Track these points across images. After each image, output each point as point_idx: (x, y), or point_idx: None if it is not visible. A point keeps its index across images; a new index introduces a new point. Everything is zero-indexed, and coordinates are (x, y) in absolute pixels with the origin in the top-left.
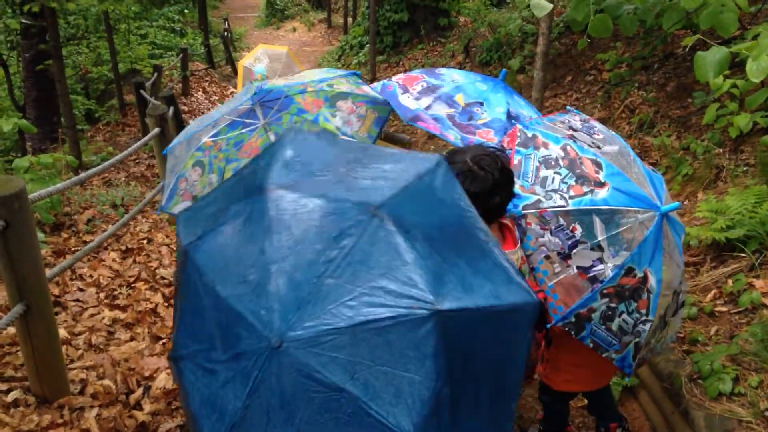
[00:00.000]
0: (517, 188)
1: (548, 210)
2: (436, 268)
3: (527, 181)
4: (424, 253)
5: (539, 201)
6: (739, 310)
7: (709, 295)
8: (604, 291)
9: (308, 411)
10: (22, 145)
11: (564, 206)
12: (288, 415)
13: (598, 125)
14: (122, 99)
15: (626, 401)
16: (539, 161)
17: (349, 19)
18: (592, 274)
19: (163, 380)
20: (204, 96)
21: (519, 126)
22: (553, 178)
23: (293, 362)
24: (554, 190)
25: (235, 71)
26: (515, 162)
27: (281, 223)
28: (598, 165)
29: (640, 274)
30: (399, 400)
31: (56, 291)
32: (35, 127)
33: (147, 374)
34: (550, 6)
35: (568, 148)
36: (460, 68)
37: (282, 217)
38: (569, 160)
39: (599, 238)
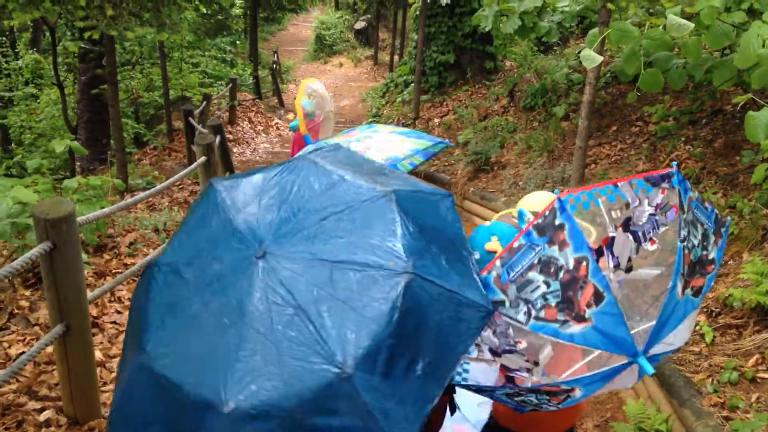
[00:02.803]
0: (492, 276)
1: (503, 317)
2: (420, 249)
3: (508, 275)
4: (414, 235)
5: (501, 303)
6: None
7: (752, 360)
8: (517, 390)
9: (264, 320)
10: (72, 165)
11: (521, 324)
12: (245, 320)
13: (672, 220)
14: (170, 124)
15: None
16: (540, 260)
17: (396, 57)
18: (512, 375)
19: None
20: (249, 126)
21: (556, 202)
22: (537, 287)
23: (268, 272)
24: (526, 301)
25: (280, 102)
26: (515, 244)
27: (307, 182)
28: (599, 297)
29: (566, 387)
30: (345, 331)
31: (95, 312)
32: (85, 148)
33: None
34: (601, 58)
35: (583, 264)
36: (504, 112)
37: (309, 178)
38: (571, 278)
39: (539, 359)
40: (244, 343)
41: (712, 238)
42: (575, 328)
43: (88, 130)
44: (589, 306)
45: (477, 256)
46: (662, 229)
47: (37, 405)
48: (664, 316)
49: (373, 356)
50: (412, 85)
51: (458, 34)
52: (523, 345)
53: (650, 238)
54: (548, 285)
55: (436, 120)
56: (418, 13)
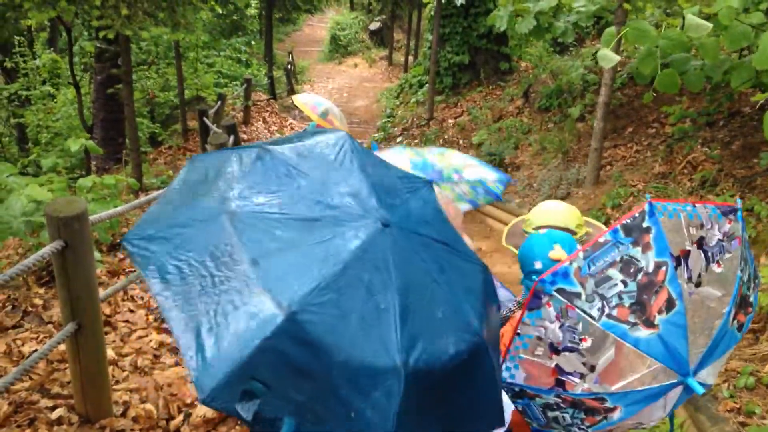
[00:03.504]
0: (572, 268)
1: (576, 310)
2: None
3: (589, 268)
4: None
5: (577, 296)
6: None
7: None
8: (562, 396)
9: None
10: (87, 164)
11: (593, 319)
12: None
13: (735, 250)
14: (186, 124)
15: None
16: (622, 258)
17: (410, 58)
18: (563, 378)
19: (204, 408)
20: (264, 126)
21: (647, 204)
22: (614, 285)
23: (400, 239)
24: (602, 297)
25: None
26: (601, 240)
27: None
28: (671, 305)
29: (609, 405)
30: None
31: (107, 310)
32: (101, 147)
33: (188, 401)
34: (618, 58)
35: (662, 269)
36: (518, 113)
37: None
38: (649, 281)
39: (596, 363)
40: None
41: (752, 283)
42: (642, 332)
43: (103, 129)
44: (660, 312)
45: (539, 265)
46: (727, 255)
47: (50, 403)
48: (716, 340)
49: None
50: (427, 85)
51: (473, 35)
52: (587, 344)
53: (717, 261)
54: (626, 284)
55: (450, 121)
56: (432, 13)
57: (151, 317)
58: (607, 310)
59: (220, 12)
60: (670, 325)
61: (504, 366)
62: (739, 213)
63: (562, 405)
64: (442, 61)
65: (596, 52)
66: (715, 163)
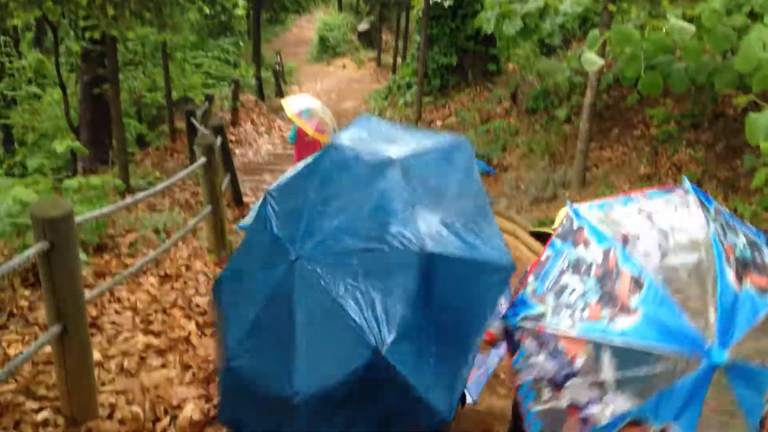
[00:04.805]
0: (528, 291)
1: (546, 330)
2: (437, 216)
3: (543, 285)
4: (429, 204)
5: (542, 315)
6: None
7: None
8: None
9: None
10: (74, 166)
11: (567, 330)
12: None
13: (696, 215)
14: (173, 125)
15: None
16: (569, 262)
17: (399, 59)
18: (584, 415)
19: (190, 411)
20: (252, 127)
21: (570, 211)
22: (573, 290)
23: (305, 271)
24: (567, 305)
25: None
26: (542, 257)
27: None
28: (638, 284)
29: (655, 428)
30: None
31: (94, 312)
32: (87, 148)
33: (175, 403)
34: (602, 61)
35: (612, 254)
36: (506, 114)
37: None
38: (604, 271)
39: (603, 377)
40: None
41: (755, 247)
42: (625, 322)
43: (90, 130)
44: (632, 293)
45: None
46: (689, 221)
47: (35, 405)
48: (726, 305)
49: (405, 334)
50: (415, 87)
51: (461, 36)
52: (579, 362)
53: (678, 230)
54: (585, 283)
55: (438, 122)
56: (420, 15)
57: (137, 319)
58: (577, 315)
59: (208, 12)
60: (650, 302)
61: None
62: (688, 186)
63: None
64: (430, 62)
65: (581, 55)
66: (699, 165)
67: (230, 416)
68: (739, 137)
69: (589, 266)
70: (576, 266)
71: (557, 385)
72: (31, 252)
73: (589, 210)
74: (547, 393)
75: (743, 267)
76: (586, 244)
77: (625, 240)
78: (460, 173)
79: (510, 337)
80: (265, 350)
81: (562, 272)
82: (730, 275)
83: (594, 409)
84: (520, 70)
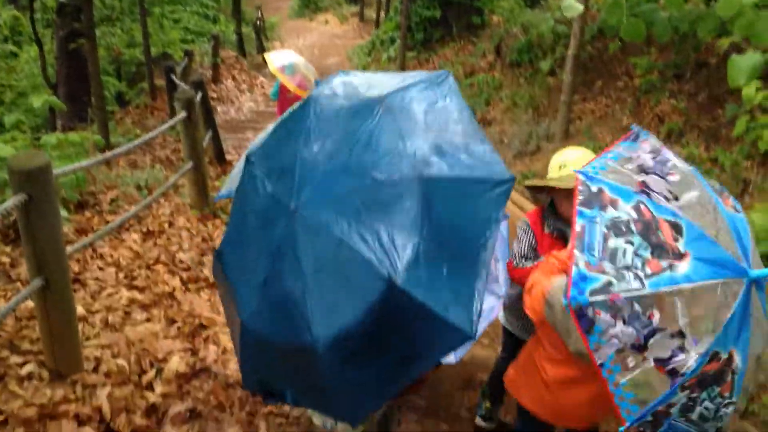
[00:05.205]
0: (581, 266)
1: (621, 295)
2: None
3: (594, 256)
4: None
5: (609, 284)
6: None
7: None
8: (685, 384)
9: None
10: (52, 123)
11: (640, 289)
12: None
13: (670, 156)
14: (153, 82)
15: None
16: (607, 227)
17: (382, 14)
18: (671, 367)
19: (176, 363)
20: (233, 84)
21: (580, 176)
22: (625, 250)
23: (306, 220)
24: (627, 267)
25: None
26: (578, 229)
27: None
28: (678, 229)
29: (725, 356)
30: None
31: (76, 268)
32: (66, 105)
33: (160, 356)
34: (581, 7)
35: (642, 206)
36: (490, 68)
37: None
38: (643, 224)
39: (680, 324)
40: None
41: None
42: (683, 266)
43: (67, 86)
44: (676, 239)
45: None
46: (670, 163)
47: (19, 359)
48: (732, 228)
49: (416, 260)
50: (398, 42)
51: None
52: (656, 317)
53: (668, 173)
54: (632, 243)
55: None
56: None
57: (121, 275)
58: (642, 273)
59: None
60: (694, 241)
61: (626, 408)
62: (643, 132)
63: (693, 396)
64: (413, 15)
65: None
66: (681, 115)
67: (255, 380)
68: (721, 86)
69: (628, 224)
70: (616, 227)
71: (641, 347)
72: (8, 204)
73: (599, 171)
74: (632, 360)
75: (720, 194)
76: (614, 204)
77: (646, 187)
78: (445, 101)
79: (582, 318)
80: (280, 307)
81: (605, 237)
82: (719, 201)
83: (678, 359)
84: (504, 22)
